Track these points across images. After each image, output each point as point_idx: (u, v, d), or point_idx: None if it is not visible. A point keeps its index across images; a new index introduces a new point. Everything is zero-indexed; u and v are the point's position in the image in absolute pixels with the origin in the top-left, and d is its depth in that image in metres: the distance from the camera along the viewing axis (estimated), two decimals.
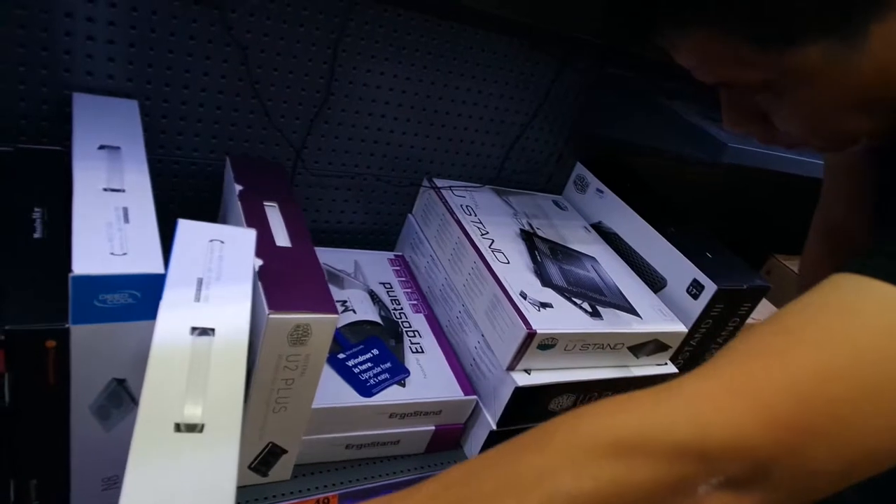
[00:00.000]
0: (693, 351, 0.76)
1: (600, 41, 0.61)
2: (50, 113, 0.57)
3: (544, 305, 0.63)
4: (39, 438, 0.43)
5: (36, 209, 0.46)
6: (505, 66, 0.76)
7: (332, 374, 0.59)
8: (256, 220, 0.54)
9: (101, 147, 0.49)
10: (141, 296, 0.40)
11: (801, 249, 0.68)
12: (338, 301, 0.68)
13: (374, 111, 0.72)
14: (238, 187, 0.57)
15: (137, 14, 0.55)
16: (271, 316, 0.45)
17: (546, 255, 0.72)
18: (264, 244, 0.51)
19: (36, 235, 0.44)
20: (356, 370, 0.61)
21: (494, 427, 0.63)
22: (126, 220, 0.42)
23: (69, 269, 0.37)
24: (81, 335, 0.39)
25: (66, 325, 0.39)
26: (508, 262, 0.68)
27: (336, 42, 0.65)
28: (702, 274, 0.71)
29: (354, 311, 0.67)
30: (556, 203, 0.87)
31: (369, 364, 0.62)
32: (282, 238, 0.53)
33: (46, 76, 0.55)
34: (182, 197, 0.67)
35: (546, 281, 0.67)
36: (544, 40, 0.76)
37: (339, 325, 0.65)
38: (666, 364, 0.71)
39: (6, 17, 0.51)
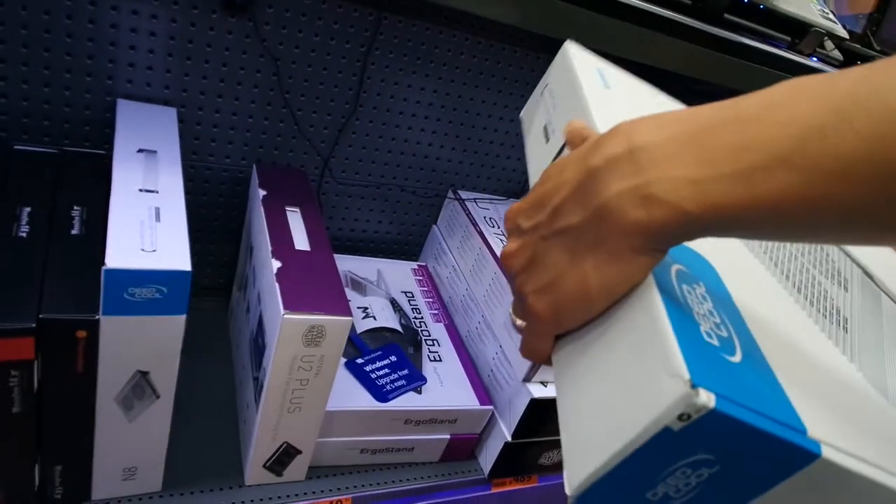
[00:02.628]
0: None
1: (628, 57, 0.62)
2: (92, 118, 0.60)
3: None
4: (65, 425, 0.45)
5: (76, 207, 0.48)
6: (531, 81, 0.77)
7: (350, 378, 0.60)
8: (278, 224, 0.55)
9: (140, 150, 0.51)
10: (167, 291, 0.41)
11: None
12: (359, 308, 0.69)
13: (401, 123, 0.73)
14: (262, 192, 0.59)
15: (177, 25, 0.58)
16: (286, 316, 0.46)
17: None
18: (283, 247, 0.53)
19: (74, 232, 0.46)
20: (373, 375, 0.61)
21: (510, 439, 0.63)
22: (158, 219, 0.44)
23: (103, 264, 0.39)
24: (110, 326, 0.41)
25: (97, 316, 0.41)
26: None
27: (365, 55, 0.67)
28: None
29: (375, 318, 0.68)
30: None
31: (387, 370, 0.63)
32: (301, 242, 0.54)
33: (91, 83, 0.58)
34: (213, 201, 0.70)
35: None
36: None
37: (359, 331, 0.66)
38: None
39: (55, 27, 0.54)
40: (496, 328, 0.67)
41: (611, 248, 0.24)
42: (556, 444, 0.67)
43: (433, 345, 0.69)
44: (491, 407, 0.64)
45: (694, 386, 0.20)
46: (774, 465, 0.22)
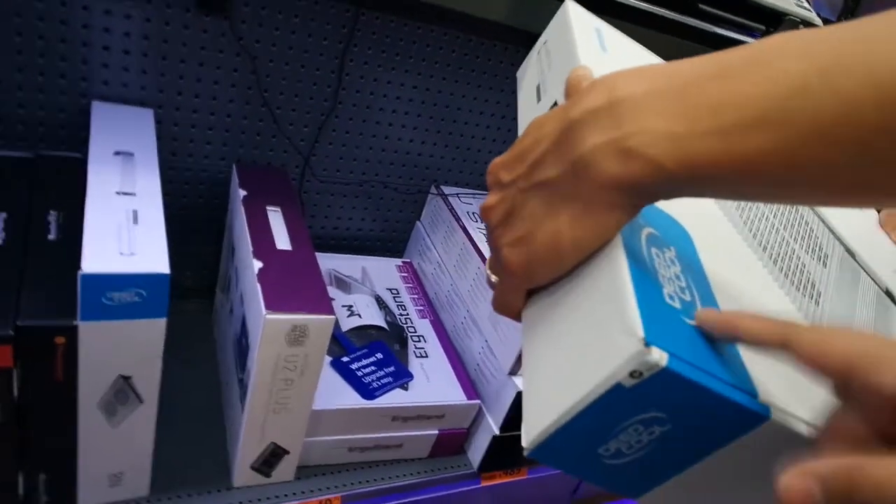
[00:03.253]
0: None
1: None
2: (67, 120, 0.59)
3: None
4: (48, 433, 0.44)
5: (52, 212, 0.48)
6: (512, 76, 0.77)
7: (335, 376, 0.60)
8: (259, 224, 0.55)
9: (116, 153, 0.50)
10: (147, 294, 0.41)
11: None
12: (344, 306, 0.69)
13: (381, 119, 0.73)
14: (242, 192, 0.58)
15: (151, 25, 0.57)
16: (268, 316, 0.46)
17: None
18: (265, 247, 0.53)
19: (50, 237, 0.46)
20: (359, 373, 0.61)
21: (497, 432, 0.63)
22: (135, 221, 0.44)
23: (79, 269, 0.39)
24: (89, 332, 0.41)
25: (75, 322, 0.40)
26: None
27: (343, 51, 0.66)
28: None
29: (360, 316, 0.68)
30: None
31: (373, 367, 0.63)
32: (283, 241, 0.54)
33: (65, 85, 0.57)
34: (193, 202, 0.69)
35: None
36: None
37: (345, 329, 0.66)
38: None
39: (26, 28, 0.54)
40: (481, 323, 0.67)
41: (586, 203, 0.24)
42: None
43: (419, 341, 0.69)
44: (478, 401, 0.64)
45: (647, 344, 0.21)
46: (725, 426, 0.23)
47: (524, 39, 0.74)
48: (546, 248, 0.26)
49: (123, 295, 0.40)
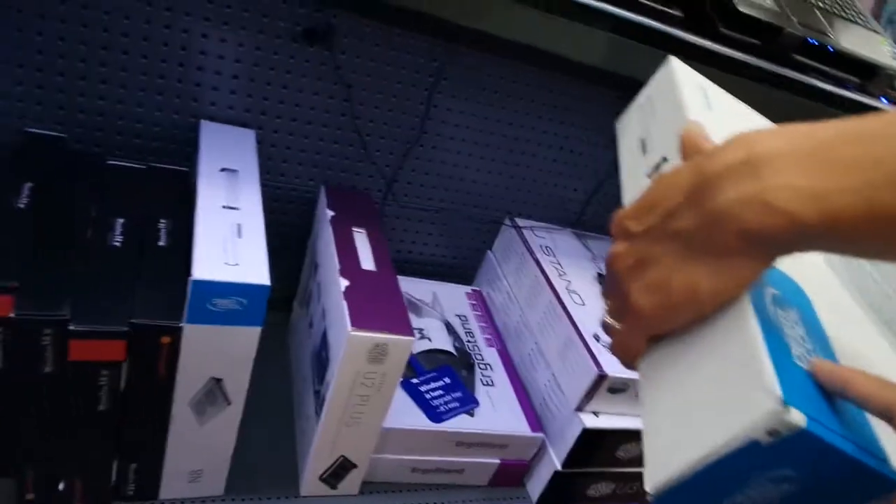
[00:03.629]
0: None
1: None
2: (178, 137, 0.64)
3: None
4: (144, 425, 0.48)
5: (162, 220, 0.52)
6: (590, 112, 0.78)
7: (405, 397, 0.62)
8: (345, 244, 0.58)
9: (222, 169, 0.54)
10: (247, 303, 0.44)
11: None
12: (414, 328, 0.70)
13: (462, 150, 0.75)
14: (330, 213, 0.61)
15: (260, 53, 0.62)
16: (352, 333, 0.48)
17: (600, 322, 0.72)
18: (351, 266, 0.55)
19: (161, 243, 0.50)
20: (428, 396, 0.63)
21: (559, 468, 0.63)
22: (239, 235, 0.47)
23: (188, 274, 0.42)
24: (192, 334, 0.44)
25: (181, 324, 0.43)
26: (584, 304, 0.68)
27: (433, 84, 0.69)
28: None
29: (430, 340, 0.70)
30: None
31: (441, 391, 0.64)
32: (367, 262, 0.56)
33: (178, 105, 0.62)
34: (279, 219, 0.73)
35: None
36: (631, 88, 0.78)
37: (415, 351, 0.68)
38: None
39: (152, 52, 0.59)
40: (549, 356, 0.67)
41: (723, 254, 0.25)
42: (606, 476, 0.67)
43: (486, 369, 0.70)
44: (542, 434, 0.64)
45: (785, 404, 0.21)
46: (855, 490, 0.22)
47: (605, 78, 0.76)
48: (684, 294, 0.27)
49: (226, 302, 0.43)
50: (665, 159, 0.33)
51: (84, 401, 0.43)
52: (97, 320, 0.41)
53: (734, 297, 0.26)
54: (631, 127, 0.40)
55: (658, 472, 0.24)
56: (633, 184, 0.36)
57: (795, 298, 0.29)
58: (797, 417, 0.21)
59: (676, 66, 0.38)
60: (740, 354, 0.24)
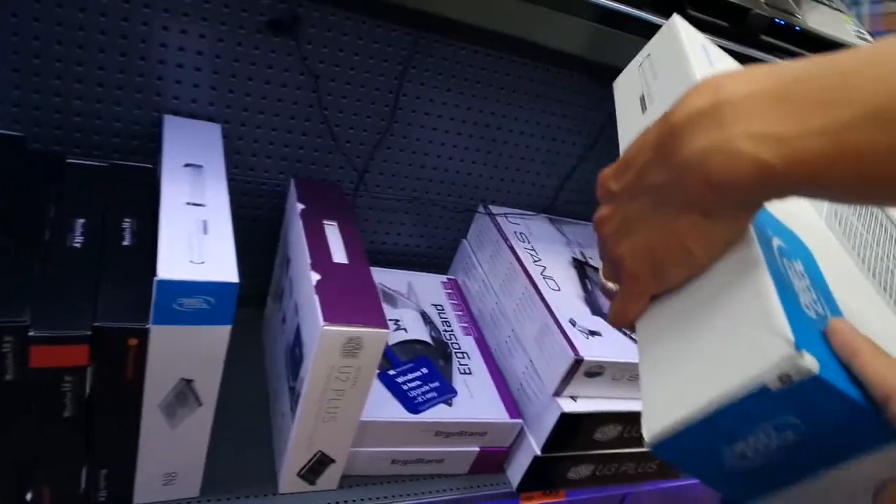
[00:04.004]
0: None
1: None
2: (140, 132, 0.62)
3: (593, 333, 0.63)
4: (113, 430, 0.47)
5: (126, 219, 0.50)
6: (563, 98, 0.78)
7: (382, 389, 0.62)
8: (316, 237, 0.57)
9: (187, 165, 0.53)
10: (215, 302, 0.43)
11: None
12: (390, 320, 0.70)
13: (434, 139, 0.75)
14: (300, 206, 0.60)
15: (223, 45, 0.60)
16: (325, 328, 0.48)
17: (597, 284, 0.73)
18: (322, 260, 0.54)
19: (125, 243, 0.48)
20: (405, 387, 0.62)
21: (539, 453, 0.63)
22: (205, 231, 0.46)
23: (153, 274, 0.41)
24: (160, 335, 0.43)
25: (148, 325, 0.42)
26: (559, 290, 0.69)
27: (402, 73, 0.68)
28: None
29: (406, 331, 0.70)
30: None
31: (418, 382, 0.64)
32: (339, 255, 0.56)
33: (140, 99, 0.61)
34: (249, 214, 0.72)
35: (596, 309, 0.67)
36: (603, 74, 0.78)
37: (391, 342, 0.67)
38: None
39: (110, 46, 0.57)
40: (526, 342, 0.68)
41: (700, 206, 0.24)
42: (585, 459, 0.67)
43: (463, 357, 0.70)
44: (520, 420, 0.65)
45: (798, 349, 0.21)
46: (857, 439, 0.22)
47: (576, 64, 0.75)
48: (674, 252, 0.26)
49: (193, 301, 0.42)
50: None
51: (48, 408, 0.42)
52: (58, 325, 0.40)
53: (727, 249, 0.25)
54: (629, 86, 0.40)
55: (660, 420, 0.24)
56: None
57: (799, 251, 0.28)
58: (810, 363, 0.20)
59: (679, 24, 0.37)
60: (751, 301, 0.23)
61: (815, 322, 0.23)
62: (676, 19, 0.38)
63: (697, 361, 0.24)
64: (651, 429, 0.24)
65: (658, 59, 0.38)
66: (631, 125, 0.37)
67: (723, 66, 0.37)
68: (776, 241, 0.27)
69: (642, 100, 0.37)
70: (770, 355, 0.21)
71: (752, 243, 0.25)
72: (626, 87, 0.40)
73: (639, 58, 0.40)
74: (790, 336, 0.21)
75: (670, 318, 0.27)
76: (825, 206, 0.34)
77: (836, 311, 0.26)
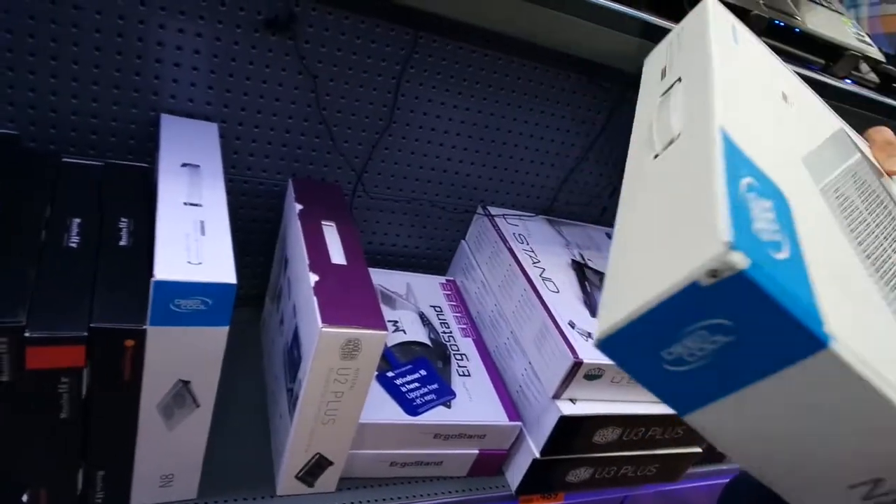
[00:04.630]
0: None
1: None
2: (137, 132, 0.62)
3: (592, 336, 0.63)
4: (110, 432, 0.46)
5: (123, 219, 0.50)
6: (562, 99, 0.78)
7: (380, 391, 0.61)
8: (314, 238, 0.56)
9: (184, 164, 0.53)
10: (212, 303, 0.42)
11: None
12: (389, 321, 0.70)
13: (432, 139, 0.74)
14: (298, 207, 0.60)
15: (220, 44, 0.60)
16: (324, 329, 0.47)
17: (596, 286, 0.72)
18: (320, 261, 0.54)
19: (122, 243, 0.48)
20: (404, 389, 0.62)
21: (538, 455, 0.63)
22: (203, 232, 0.46)
23: (150, 275, 0.41)
24: (157, 336, 0.42)
25: (145, 326, 0.42)
26: (558, 292, 0.68)
27: (400, 73, 0.68)
28: None
29: (405, 332, 0.69)
30: (608, 235, 0.87)
31: (417, 384, 0.63)
32: (337, 256, 0.55)
33: (137, 98, 0.60)
34: (247, 214, 0.71)
35: (595, 312, 0.67)
36: (602, 75, 0.78)
37: (389, 344, 0.67)
38: None
39: (106, 43, 0.56)
40: (525, 344, 0.67)
41: None
42: (584, 462, 0.67)
43: (462, 359, 0.70)
44: (519, 423, 0.64)
45: (733, 247, 0.21)
46: (783, 348, 0.22)
47: (575, 64, 0.75)
48: None
49: (191, 302, 0.42)
50: (679, 79, 0.33)
51: (45, 409, 0.42)
52: (54, 326, 0.40)
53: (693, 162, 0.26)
54: (656, 60, 0.41)
55: (605, 319, 0.25)
56: (645, 109, 0.37)
57: (773, 196, 0.28)
58: (740, 260, 0.21)
59: (711, 4, 0.39)
60: (696, 203, 0.24)
61: (762, 241, 0.23)
62: (709, 1, 0.39)
63: (643, 262, 0.25)
64: (599, 328, 0.25)
65: (685, 35, 0.39)
66: (648, 92, 0.39)
67: (748, 47, 0.38)
68: (747, 180, 0.27)
69: (663, 71, 0.38)
70: (703, 251, 0.21)
71: (718, 154, 0.25)
72: (653, 62, 0.43)
73: (670, 35, 0.42)
74: (727, 235, 0.21)
75: (631, 224, 0.28)
76: (826, 176, 0.34)
77: (795, 248, 0.25)
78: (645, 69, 0.43)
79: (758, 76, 0.37)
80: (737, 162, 0.27)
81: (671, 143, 0.31)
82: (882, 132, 0.38)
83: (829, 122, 0.40)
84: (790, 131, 0.35)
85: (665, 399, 0.26)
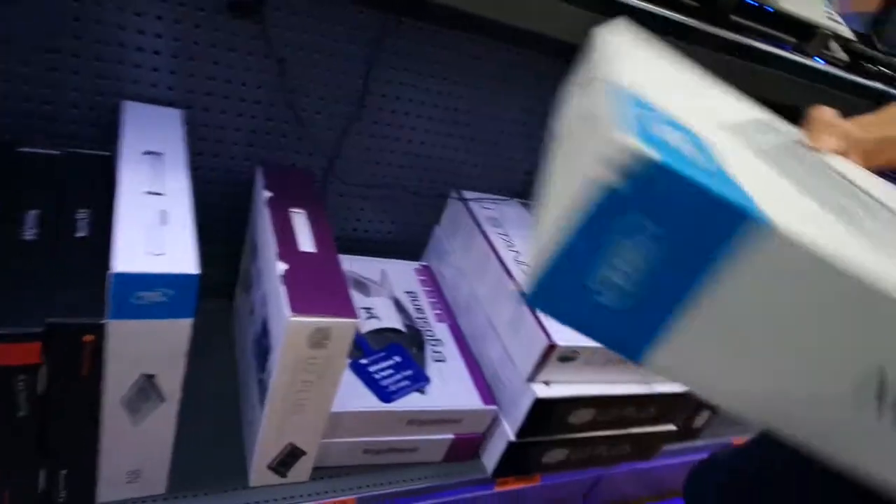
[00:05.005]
0: None
1: None
2: (98, 119, 0.60)
3: None
4: (71, 429, 0.45)
5: (81, 210, 0.48)
6: (534, 81, 0.77)
7: (354, 378, 0.61)
8: (283, 226, 0.55)
9: (146, 152, 0.51)
10: (174, 294, 0.41)
11: None
12: (363, 308, 0.69)
13: (404, 124, 0.73)
14: (267, 194, 0.59)
15: (182, 27, 0.58)
16: (292, 319, 0.46)
17: None
18: (289, 249, 0.53)
19: (80, 235, 0.46)
20: (377, 376, 0.62)
21: (513, 438, 0.63)
22: (164, 222, 0.45)
23: (109, 268, 0.40)
24: (117, 330, 0.41)
25: (104, 321, 0.41)
26: None
27: (370, 57, 0.67)
28: None
29: (379, 319, 0.69)
30: None
31: (390, 370, 0.63)
32: (307, 244, 0.55)
33: (97, 84, 0.58)
34: (216, 202, 0.70)
35: None
36: (575, 56, 0.77)
37: (363, 331, 0.66)
38: None
39: (63, 29, 0.54)
40: (500, 328, 0.67)
41: None
42: (559, 444, 0.67)
43: (437, 345, 0.69)
44: (494, 407, 0.64)
45: (642, 143, 0.20)
46: (717, 237, 0.21)
47: (549, 48, 0.74)
48: None
49: (152, 294, 0.41)
50: (593, 79, 0.32)
51: (1, 408, 0.41)
52: (9, 322, 0.39)
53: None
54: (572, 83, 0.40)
55: (530, 271, 0.23)
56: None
57: (687, 133, 0.25)
58: (650, 151, 0.19)
59: (618, 29, 0.38)
60: (595, 119, 0.22)
61: (666, 143, 0.21)
62: (618, 24, 0.38)
63: (552, 205, 0.24)
64: (525, 283, 0.23)
65: (595, 52, 0.37)
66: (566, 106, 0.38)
67: (651, 72, 0.36)
68: (652, 113, 0.24)
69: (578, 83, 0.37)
70: (608, 150, 0.20)
71: (610, 95, 0.23)
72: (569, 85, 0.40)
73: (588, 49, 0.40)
74: (628, 133, 0.20)
75: (545, 192, 0.27)
76: (754, 142, 0.31)
77: (719, 168, 0.23)
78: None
79: (672, 80, 0.36)
80: (639, 101, 0.24)
81: (578, 120, 0.29)
82: (822, 111, 0.37)
83: (752, 110, 0.38)
84: (707, 108, 0.33)
85: (614, 344, 0.24)
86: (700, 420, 0.83)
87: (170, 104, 0.61)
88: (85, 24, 0.55)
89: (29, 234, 0.45)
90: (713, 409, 0.83)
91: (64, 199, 0.49)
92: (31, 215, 0.47)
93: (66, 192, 0.50)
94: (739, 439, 0.91)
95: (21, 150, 0.53)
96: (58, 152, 0.54)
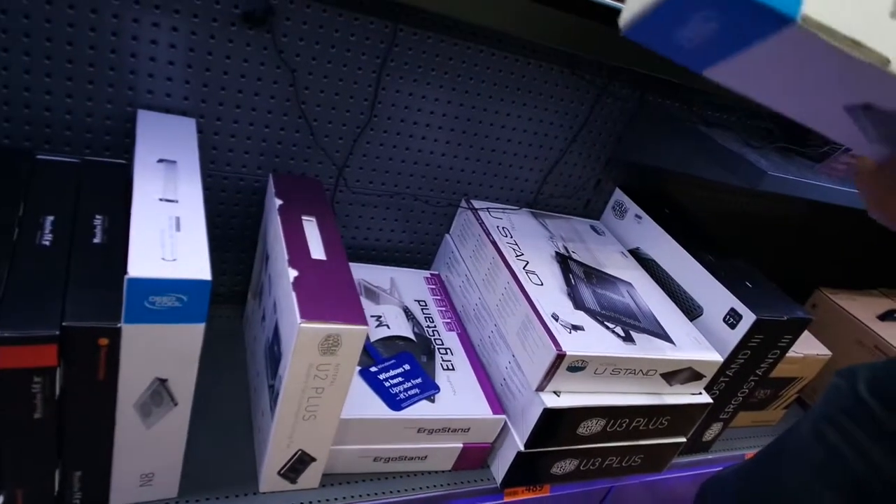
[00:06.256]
0: (729, 381, 0.75)
1: (640, 69, 0.62)
2: (113, 128, 0.61)
3: (576, 328, 0.63)
4: (86, 431, 0.46)
5: (97, 217, 0.49)
6: (545, 92, 0.77)
7: (364, 386, 0.61)
8: (294, 233, 0.56)
9: (160, 160, 0.52)
10: (187, 300, 0.42)
11: (848, 283, 0.66)
12: (372, 316, 0.69)
13: (415, 133, 0.74)
14: (278, 202, 0.60)
15: (196, 38, 0.59)
16: (303, 325, 0.47)
17: (580, 278, 0.72)
18: (300, 256, 0.54)
19: (95, 241, 0.47)
20: (387, 384, 0.62)
21: (522, 448, 0.63)
22: (178, 228, 0.45)
23: (124, 273, 0.40)
24: (132, 334, 0.42)
25: (119, 324, 0.41)
26: (542, 284, 0.68)
27: (381, 66, 0.67)
28: (740, 303, 0.70)
29: (388, 327, 0.69)
30: (593, 228, 0.87)
31: (400, 378, 0.63)
32: (317, 251, 0.55)
33: (112, 94, 0.59)
34: (228, 210, 0.70)
35: (579, 304, 0.67)
36: (585, 67, 0.78)
37: (373, 339, 0.67)
38: (700, 393, 0.70)
39: (79, 39, 0.56)
40: (509, 338, 0.67)
41: None
42: (568, 454, 0.67)
43: (446, 353, 0.69)
44: (504, 416, 0.64)
45: None
46: (757, 29, 0.25)
47: (559, 58, 0.75)
48: None
49: (165, 299, 0.41)
50: None
51: (18, 409, 0.41)
52: (26, 325, 0.39)
53: None
54: None
55: (625, 13, 0.28)
56: None
57: None
58: None
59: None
60: None
61: None
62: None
63: None
64: (623, 18, 0.29)
65: None
66: None
67: None
68: None
69: None
70: None
71: None
72: None
73: None
74: None
75: None
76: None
77: None
78: None
79: None
80: None
81: None
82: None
83: None
84: None
85: (684, 61, 0.30)
86: (710, 433, 0.83)
87: (183, 113, 0.63)
88: (101, 34, 0.56)
89: (46, 239, 0.46)
90: (724, 422, 0.82)
91: (80, 206, 0.50)
92: (49, 221, 0.47)
93: (83, 198, 0.51)
94: (751, 453, 0.91)
95: (40, 157, 0.54)
96: (75, 160, 0.55)
